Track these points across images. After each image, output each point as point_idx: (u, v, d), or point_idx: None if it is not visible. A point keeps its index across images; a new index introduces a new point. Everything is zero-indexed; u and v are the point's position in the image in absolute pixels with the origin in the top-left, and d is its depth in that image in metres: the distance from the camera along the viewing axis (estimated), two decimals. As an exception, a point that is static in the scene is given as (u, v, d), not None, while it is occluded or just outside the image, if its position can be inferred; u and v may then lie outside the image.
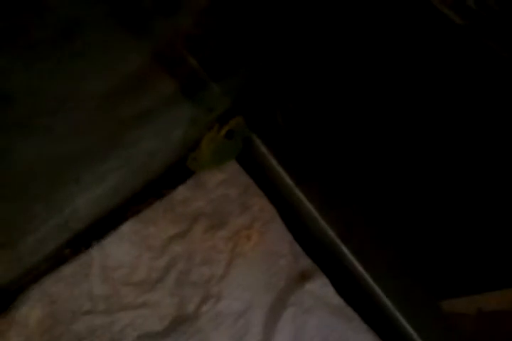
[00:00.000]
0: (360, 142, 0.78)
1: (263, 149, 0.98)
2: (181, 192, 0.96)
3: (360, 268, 0.96)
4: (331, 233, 0.98)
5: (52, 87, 0.48)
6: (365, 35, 0.60)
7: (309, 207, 0.98)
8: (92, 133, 0.62)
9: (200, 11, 0.54)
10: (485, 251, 0.72)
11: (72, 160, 0.66)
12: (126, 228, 0.91)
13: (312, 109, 0.82)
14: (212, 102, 0.83)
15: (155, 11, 0.49)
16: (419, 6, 0.53)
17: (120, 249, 0.90)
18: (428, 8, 0.52)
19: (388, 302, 0.96)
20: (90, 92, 0.53)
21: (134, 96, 0.61)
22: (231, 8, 0.59)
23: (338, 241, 0.97)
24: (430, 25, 0.55)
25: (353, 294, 0.98)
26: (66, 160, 0.64)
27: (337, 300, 0.97)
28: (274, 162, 0.98)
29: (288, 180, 0.98)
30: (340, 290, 0.97)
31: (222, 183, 0.98)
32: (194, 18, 0.54)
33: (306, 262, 0.98)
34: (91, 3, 0.42)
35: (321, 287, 0.97)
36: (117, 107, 0.61)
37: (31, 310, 0.84)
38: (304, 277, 0.97)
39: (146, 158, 0.88)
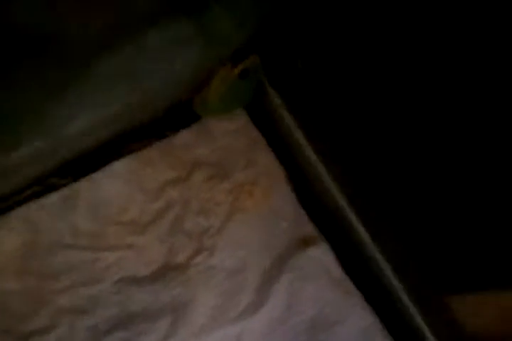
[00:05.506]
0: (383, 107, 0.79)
1: (276, 101, 0.99)
2: (184, 136, 0.96)
3: (366, 239, 0.97)
4: (340, 199, 0.98)
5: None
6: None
7: (320, 169, 0.99)
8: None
9: None
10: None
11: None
12: (121, 165, 0.91)
13: (336, 57, 0.83)
14: (222, 30, 0.84)
15: None
16: None
17: (111, 186, 0.90)
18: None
19: (395, 281, 0.96)
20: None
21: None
22: None
23: (346, 208, 0.98)
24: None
25: (356, 265, 0.98)
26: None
27: (338, 271, 0.97)
28: (286, 115, 0.99)
29: (300, 138, 0.99)
30: (342, 260, 0.97)
31: (229, 133, 0.98)
32: None
33: (309, 228, 0.98)
34: None
35: (322, 255, 0.97)
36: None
37: (8, 235, 0.82)
38: (305, 243, 0.97)
39: (150, 91, 0.88)
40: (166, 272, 0.87)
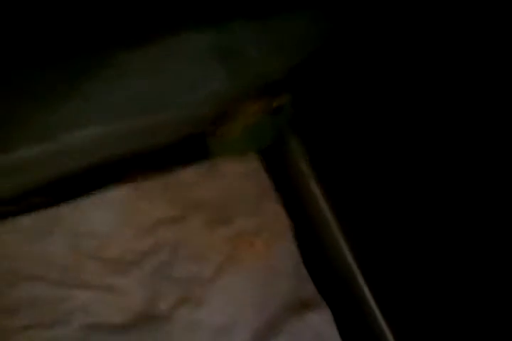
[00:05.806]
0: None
1: (296, 148, 0.91)
2: (190, 173, 0.87)
3: (378, 317, 0.86)
4: (352, 265, 0.88)
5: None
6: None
7: (333, 228, 0.89)
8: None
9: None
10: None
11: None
12: (114, 193, 0.81)
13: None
14: (248, 59, 0.76)
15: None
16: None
17: (99, 215, 0.79)
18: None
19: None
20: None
21: None
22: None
23: (358, 277, 0.87)
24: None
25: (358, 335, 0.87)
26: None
27: (338, 343, 0.85)
28: (305, 166, 0.90)
29: (316, 192, 0.90)
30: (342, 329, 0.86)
31: (238, 177, 0.89)
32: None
33: (309, 290, 0.87)
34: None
35: (322, 323, 0.86)
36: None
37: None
38: (303, 306, 0.86)
39: (162, 117, 0.79)
40: (143, 322, 0.75)
